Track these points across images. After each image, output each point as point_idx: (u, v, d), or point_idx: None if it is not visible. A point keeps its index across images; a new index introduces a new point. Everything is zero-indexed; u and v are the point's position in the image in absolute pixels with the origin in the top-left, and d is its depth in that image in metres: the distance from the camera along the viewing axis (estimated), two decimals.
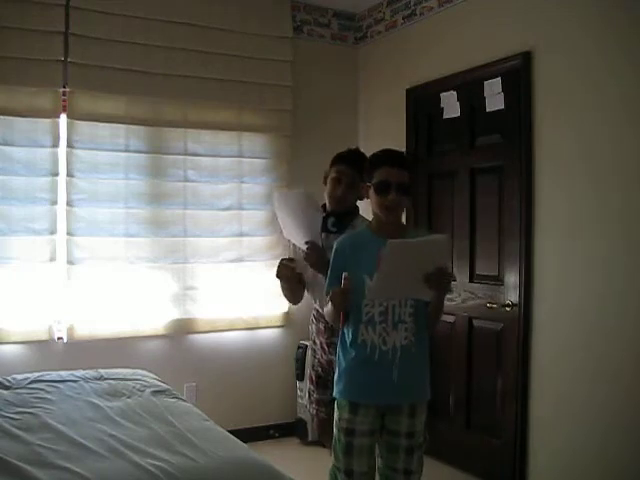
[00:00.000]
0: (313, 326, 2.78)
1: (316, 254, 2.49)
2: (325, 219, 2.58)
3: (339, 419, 2.22)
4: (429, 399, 2.27)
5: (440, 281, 2.05)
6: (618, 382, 2.81)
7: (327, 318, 2.33)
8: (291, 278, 2.55)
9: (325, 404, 2.72)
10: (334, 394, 2.27)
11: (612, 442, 2.83)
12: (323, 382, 2.72)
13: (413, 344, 2.17)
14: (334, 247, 2.28)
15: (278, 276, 2.56)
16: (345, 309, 2.17)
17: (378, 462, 2.26)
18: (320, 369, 2.75)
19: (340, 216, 2.59)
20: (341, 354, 2.25)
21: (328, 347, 2.69)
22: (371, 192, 2.19)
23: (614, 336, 2.83)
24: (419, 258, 2.01)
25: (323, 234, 2.58)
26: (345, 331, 2.24)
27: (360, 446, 2.18)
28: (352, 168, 2.56)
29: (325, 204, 2.66)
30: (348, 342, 2.22)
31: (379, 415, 2.19)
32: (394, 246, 1.96)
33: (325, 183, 2.65)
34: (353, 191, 2.57)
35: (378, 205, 2.18)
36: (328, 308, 2.22)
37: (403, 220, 2.40)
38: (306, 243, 2.50)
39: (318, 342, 2.74)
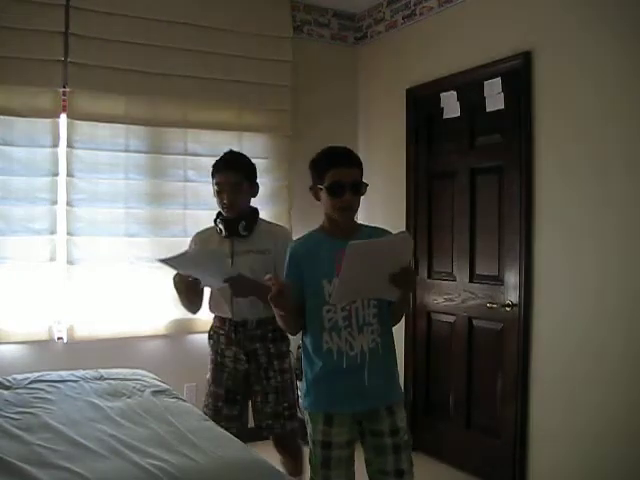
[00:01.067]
0: (222, 337, 2.80)
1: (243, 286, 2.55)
2: (234, 225, 2.68)
3: (313, 432, 2.14)
4: (403, 398, 2.25)
5: (406, 280, 1.99)
6: (618, 382, 2.81)
7: (280, 325, 2.21)
8: (189, 289, 2.58)
9: (234, 419, 2.75)
10: (304, 407, 2.19)
11: (611, 442, 2.83)
12: (232, 397, 2.76)
13: (380, 345, 2.12)
14: (288, 253, 2.19)
15: (177, 291, 2.62)
16: (286, 309, 2.04)
17: (367, 470, 2.18)
18: (231, 382, 2.77)
19: (247, 219, 2.70)
20: (306, 365, 2.18)
21: (247, 356, 2.74)
22: (322, 194, 2.11)
23: (614, 336, 2.83)
24: (382, 257, 1.95)
25: (235, 240, 2.69)
26: (306, 340, 2.18)
27: (338, 458, 2.10)
28: (230, 173, 2.67)
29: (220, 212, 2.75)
30: (311, 351, 2.15)
31: (355, 423, 2.13)
32: (355, 247, 1.88)
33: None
34: (240, 194, 2.69)
35: (332, 207, 2.10)
36: (277, 315, 2.12)
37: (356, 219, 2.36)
38: (225, 281, 2.52)
39: (231, 354, 2.76)
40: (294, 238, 4.06)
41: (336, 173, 2.08)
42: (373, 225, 2.32)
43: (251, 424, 2.88)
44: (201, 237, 2.86)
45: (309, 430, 2.18)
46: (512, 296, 3.35)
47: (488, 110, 3.49)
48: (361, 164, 2.17)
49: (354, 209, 2.15)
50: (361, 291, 2.03)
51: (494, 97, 3.45)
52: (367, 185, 2.14)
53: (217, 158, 2.80)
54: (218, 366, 2.80)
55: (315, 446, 2.14)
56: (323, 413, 2.12)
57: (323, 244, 2.15)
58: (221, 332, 2.81)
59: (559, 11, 3.10)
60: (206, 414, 2.63)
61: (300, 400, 2.25)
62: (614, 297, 2.84)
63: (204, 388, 2.89)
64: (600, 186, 2.92)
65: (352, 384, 2.09)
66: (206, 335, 2.90)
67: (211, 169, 2.78)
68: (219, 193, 2.70)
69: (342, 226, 2.14)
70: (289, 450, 2.89)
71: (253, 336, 2.74)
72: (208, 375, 2.86)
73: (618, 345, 2.82)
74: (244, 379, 2.77)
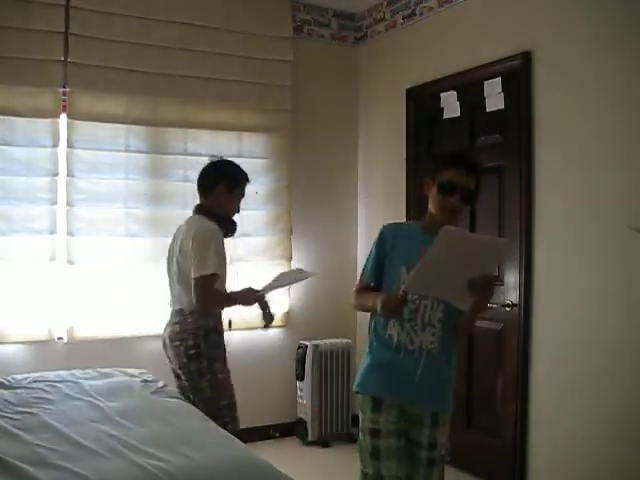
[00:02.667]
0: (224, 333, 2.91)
1: None
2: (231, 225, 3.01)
3: (363, 420, 2.13)
4: (452, 410, 2.18)
5: (485, 288, 1.93)
6: (618, 382, 2.81)
7: (357, 307, 2.26)
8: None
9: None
10: (355, 387, 2.20)
11: (612, 442, 2.83)
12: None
13: (439, 350, 2.09)
14: (380, 231, 2.20)
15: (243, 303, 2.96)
16: (389, 318, 2.07)
17: None
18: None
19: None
20: (368, 347, 2.18)
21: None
22: (434, 190, 2.11)
23: (615, 336, 2.83)
24: (471, 255, 1.86)
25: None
26: (373, 322, 2.17)
27: (387, 448, 2.06)
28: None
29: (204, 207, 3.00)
30: (374, 334, 2.16)
31: (402, 416, 2.09)
32: (449, 232, 1.82)
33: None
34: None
35: (439, 206, 2.10)
36: (363, 301, 2.15)
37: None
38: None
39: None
40: (290, 238, 4.08)
41: (452, 174, 2.09)
42: None
43: (251, 424, 2.89)
44: None
45: (360, 418, 2.16)
46: (512, 296, 3.34)
47: (488, 110, 3.49)
48: (479, 175, 2.16)
49: (459, 215, 2.15)
50: (435, 287, 1.95)
51: (494, 97, 3.45)
52: (476, 197, 2.16)
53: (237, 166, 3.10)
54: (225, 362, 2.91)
55: (364, 435, 2.11)
56: (371, 397, 2.11)
57: (414, 234, 2.15)
58: (223, 329, 2.93)
59: (559, 11, 3.10)
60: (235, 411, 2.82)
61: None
62: (615, 297, 2.84)
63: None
64: (601, 186, 2.91)
65: (403, 375, 2.07)
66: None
67: (239, 177, 3.04)
68: (240, 200, 3.03)
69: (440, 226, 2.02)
70: None
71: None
72: (223, 375, 2.87)
73: (619, 345, 2.81)
74: None
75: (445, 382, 2.16)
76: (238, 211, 3.04)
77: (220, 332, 2.91)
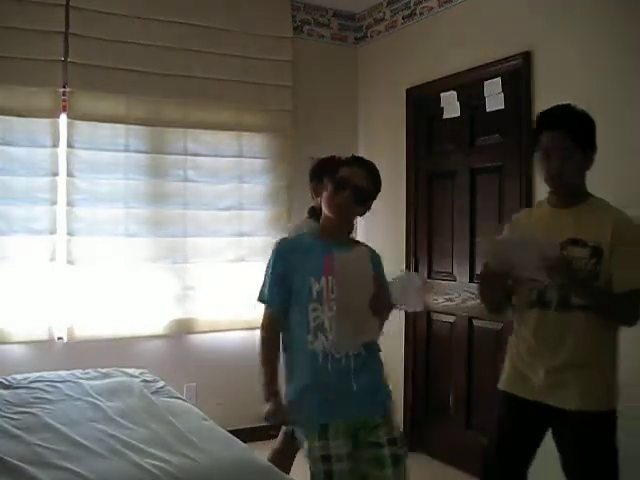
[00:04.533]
0: None
1: None
2: None
3: (310, 448, 1.98)
4: (392, 396, 2.16)
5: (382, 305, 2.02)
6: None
7: (260, 358, 2.09)
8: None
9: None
10: (295, 420, 2.07)
11: None
12: None
13: (365, 352, 2.05)
14: (274, 249, 2.14)
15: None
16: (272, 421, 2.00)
17: None
18: None
19: None
20: (290, 365, 2.09)
21: None
22: (326, 190, 2.09)
23: None
24: (361, 272, 1.98)
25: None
26: (288, 341, 2.08)
27: (341, 471, 1.95)
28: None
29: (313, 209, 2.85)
30: (294, 352, 2.06)
31: (350, 433, 2.00)
32: (341, 262, 1.93)
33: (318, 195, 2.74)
34: None
35: (331, 203, 2.07)
36: (264, 369, 2.05)
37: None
38: None
39: None
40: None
41: (347, 170, 2.08)
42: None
43: (251, 424, 2.89)
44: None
45: (305, 447, 2.01)
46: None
47: (488, 110, 3.49)
48: (378, 179, 2.14)
49: (351, 214, 2.12)
50: (353, 335, 2.01)
51: (494, 97, 3.45)
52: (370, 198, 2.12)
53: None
54: None
55: (315, 462, 1.98)
56: (318, 426, 1.98)
57: (314, 245, 2.10)
58: None
59: (559, 11, 3.10)
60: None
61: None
62: None
63: (204, 388, 2.88)
64: (600, 185, 2.91)
65: (341, 389, 2.00)
66: (206, 335, 2.90)
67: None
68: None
69: (334, 229, 2.10)
70: None
71: None
72: None
73: (619, 344, 2.81)
74: None
75: (379, 378, 2.13)
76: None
77: None
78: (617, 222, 2.06)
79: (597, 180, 3.00)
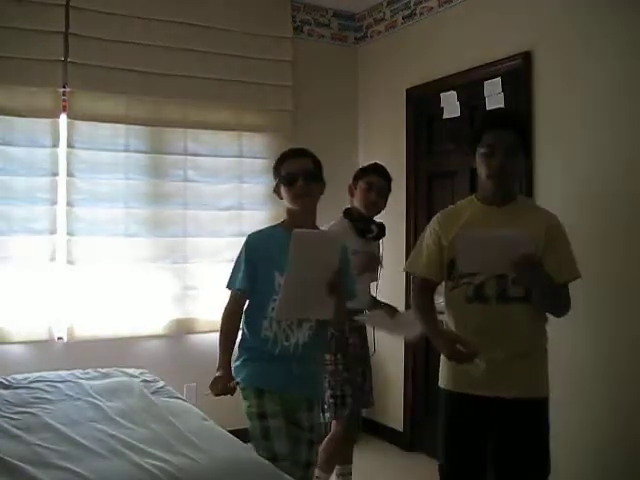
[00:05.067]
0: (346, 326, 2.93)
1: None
2: (366, 225, 2.97)
3: (248, 407, 2.25)
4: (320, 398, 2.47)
5: (338, 284, 2.09)
6: (618, 382, 2.81)
7: (221, 330, 2.30)
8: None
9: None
10: (238, 380, 2.27)
11: (612, 442, 2.83)
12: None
13: (313, 342, 2.26)
14: (245, 241, 2.32)
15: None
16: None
17: None
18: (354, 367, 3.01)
19: (378, 225, 3.01)
20: (241, 346, 2.32)
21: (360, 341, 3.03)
22: (282, 188, 2.27)
23: (616, 335, 2.83)
24: (322, 254, 2.01)
25: (361, 241, 2.94)
26: (245, 324, 2.30)
27: (276, 427, 2.19)
28: (384, 178, 3.00)
29: (349, 210, 3.03)
30: (249, 335, 2.28)
31: (283, 403, 2.24)
32: (298, 236, 1.95)
33: (352, 195, 3.03)
34: (384, 198, 3.01)
35: (289, 197, 2.25)
36: (221, 342, 2.26)
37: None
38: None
39: (353, 341, 2.99)
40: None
41: (291, 163, 2.26)
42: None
43: None
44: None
45: (244, 406, 2.27)
46: None
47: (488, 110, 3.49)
48: (314, 156, 2.31)
49: (312, 198, 2.28)
50: (302, 307, 2.09)
51: (494, 97, 3.45)
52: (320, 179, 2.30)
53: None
54: (345, 352, 2.96)
55: (252, 420, 2.24)
56: (254, 387, 2.24)
57: (280, 237, 2.21)
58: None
59: (559, 11, 3.11)
60: (344, 403, 2.91)
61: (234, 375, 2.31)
62: (614, 296, 2.84)
63: (204, 388, 2.90)
64: (600, 185, 2.92)
65: (281, 369, 2.22)
66: (206, 335, 2.91)
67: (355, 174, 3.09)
68: (369, 191, 2.99)
69: (300, 217, 2.26)
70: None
71: (362, 324, 3.02)
72: (331, 367, 2.93)
73: (619, 344, 2.82)
74: (356, 363, 3.02)
75: (318, 372, 2.40)
76: (374, 206, 3.00)
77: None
78: (549, 220, 2.17)
79: (599, 180, 3.00)
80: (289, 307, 2.08)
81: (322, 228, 3.00)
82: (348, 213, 3.06)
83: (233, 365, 2.28)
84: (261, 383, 2.24)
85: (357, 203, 3.02)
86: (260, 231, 2.39)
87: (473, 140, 2.21)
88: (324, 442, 2.99)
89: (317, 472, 2.99)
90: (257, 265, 2.24)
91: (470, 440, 2.22)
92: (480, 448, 2.22)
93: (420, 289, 2.35)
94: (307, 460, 2.28)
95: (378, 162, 3.15)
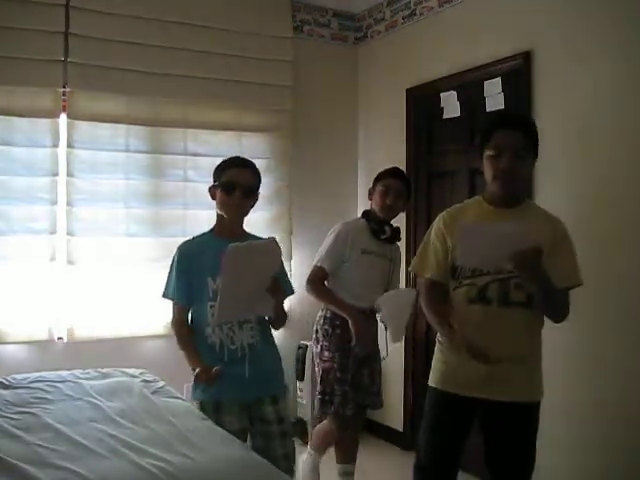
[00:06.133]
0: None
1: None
2: (380, 227, 3.01)
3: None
4: (286, 390, 2.49)
5: (277, 288, 2.17)
6: (620, 380, 2.81)
7: (179, 344, 2.36)
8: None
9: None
10: (195, 397, 2.33)
11: (613, 442, 2.82)
12: (353, 380, 3.03)
13: (259, 342, 2.31)
14: (176, 251, 2.36)
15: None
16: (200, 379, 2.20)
17: None
18: (353, 367, 3.03)
19: (393, 229, 3.07)
20: None
21: None
22: (218, 193, 2.32)
23: (616, 335, 2.83)
24: (257, 263, 2.07)
25: (375, 242, 3.01)
26: (195, 332, 2.33)
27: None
28: (401, 181, 3.05)
29: (367, 212, 3.10)
30: (197, 343, 2.30)
31: (244, 411, 2.29)
32: (231, 251, 2.00)
33: (370, 198, 3.09)
34: (401, 201, 3.05)
35: (225, 204, 2.31)
36: (186, 352, 2.29)
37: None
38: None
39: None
40: (290, 238, 4.09)
41: (233, 173, 2.31)
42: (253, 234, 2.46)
43: None
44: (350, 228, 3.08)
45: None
46: None
47: (488, 110, 3.49)
48: (257, 171, 2.39)
49: (244, 210, 2.35)
50: (241, 308, 2.15)
51: (494, 97, 3.45)
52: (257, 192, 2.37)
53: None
54: (345, 353, 2.98)
55: None
56: (212, 401, 2.26)
57: (210, 243, 2.31)
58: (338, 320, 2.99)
59: (559, 11, 3.11)
60: (331, 401, 2.96)
61: (191, 393, 2.37)
62: (615, 294, 2.84)
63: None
64: (600, 185, 2.92)
65: (234, 375, 2.23)
66: None
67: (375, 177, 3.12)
68: (386, 194, 3.02)
69: (229, 226, 2.34)
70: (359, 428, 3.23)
71: (371, 324, 3.04)
72: (327, 364, 3.00)
73: (619, 344, 2.82)
74: (359, 364, 3.03)
75: (274, 368, 2.41)
76: (390, 210, 3.05)
77: (337, 324, 3.03)
78: (555, 225, 2.18)
79: (599, 180, 3.01)
80: (227, 310, 2.11)
81: (336, 226, 3.09)
82: (366, 214, 3.13)
83: (189, 385, 2.33)
84: (218, 395, 2.26)
85: (374, 206, 3.07)
86: (191, 240, 2.43)
87: (481, 141, 2.20)
88: (318, 425, 3.11)
89: (309, 449, 3.12)
90: (190, 273, 2.30)
91: (451, 439, 2.26)
92: (459, 447, 2.28)
93: (428, 290, 2.35)
94: (283, 452, 2.32)
95: (398, 167, 3.22)
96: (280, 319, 2.38)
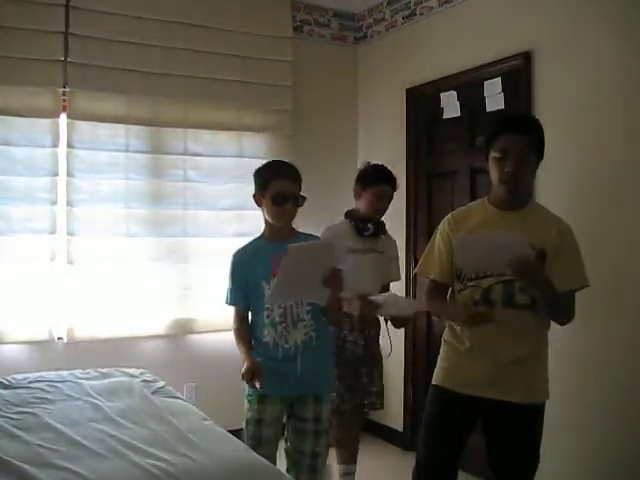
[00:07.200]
0: (345, 323, 2.99)
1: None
2: (363, 225, 3.05)
3: (248, 410, 2.41)
4: (332, 390, 2.55)
5: (334, 281, 2.21)
6: (618, 380, 2.81)
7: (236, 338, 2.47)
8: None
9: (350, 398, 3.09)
10: (246, 389, 2.44)
11: (614, 442, 2.83)
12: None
13: (314, 339, 2.36)
14: (231, 261, 2.48)
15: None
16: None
17: (286, 446, 2.46)
18: (347, 365, 3.05)
19: (375, 223, 3.07)
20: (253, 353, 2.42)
21: (364, 341, 3.07)
22: (266, 202, 2.38)
23: (617, 335, 2.83)
24: (316, 259, 2.17)
25: (360, 239, 3.03)
26: (252, 333, 2.45)
27: (268, 436, 2.37)
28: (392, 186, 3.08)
29: (350, 211, 3.13)
30: (255, 343, 2.42)
31: (286, 405, 2.40)
32: (293, 250, 2.10)
33: (357, 198, 3.09)
34: (389, 203, 3.10)
35: (276, 215, 2.38)
36: (239, 344, 2.42)
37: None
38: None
39: (352, 339, 3.05)
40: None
41: (282, 185, 2.36)
42: (307, 233, 2.56)
43: None
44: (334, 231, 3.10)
45: (245, 409, 2.43)
46: None
47: (488, 110, 3.49)
48: (300, 178, 2.43)
49: (294, 215, 2.42)
50: (295, 293, 2.26)
51: (494, 97, 3.45)
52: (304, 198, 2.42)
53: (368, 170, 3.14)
54: (339, 350, 2.98)
55: (248, 424, 2.40)
56: (257, 394, 2.37)
57: (262, 249, 2.41)
58: (345, 318, 2.97)
59: (559, 11, 3.11)
60: None
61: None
62: (615, 294, 2.84)
63: (204, 388, 2.94)
64: (599, 186, 2.92)
65: (285, 373, 2.33)
66: (206, 335, 2.92)
67: (364, 179, 3.09)
68: (378, 201, 3.06)
69: (281, 231, 2.42)
70: (359, 428, 3.24)
71: (371, 323, 3.06)
72: None
73: (619, 344, 2.82)
74: (356, 362, 3.04)
75: (325, 366, 2.46)
76: (379, 212, 3.09)
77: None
78: (561, 226, 2.19)
79: (599, 180, 3.01)
80: (282, 291, 2.19)
81: (322, 228, 3.05)
82: (348, 214, 3.14)
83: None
84: (264, 390, 2.31)
85: (361, 207, 3.08)
86: (243, 248, 2.52)
87: (487, 142, 2.20)
88: None
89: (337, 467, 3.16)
90: (246, 280, 2.41)
91: (450, 437, 2.27)
92: (458, 446, 2.28)
93: (432, 292, 2.36)
94: (312, 450, 2.39)
95: (384, 165, 3.18)
96: (333, 312, 2.40)
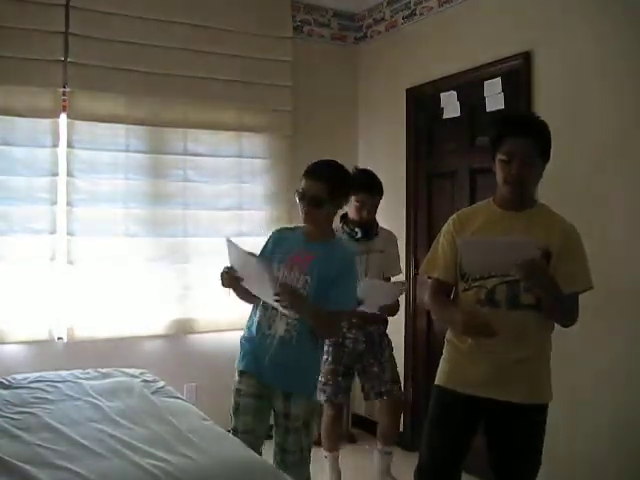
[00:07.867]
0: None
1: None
2: (352, 230, 3.16)
3: (234, 383, 2.50)
4: (309, 393, 2.46)
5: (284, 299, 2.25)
6: (618, 379, 2.81)
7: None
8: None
9: (349, 389, 3.32)
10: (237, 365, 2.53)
11: (614, 442, 2.83)
12: (348, 371, 3.24)
13: (294, 338, 2.35)
14: (271, 234, 2.57)
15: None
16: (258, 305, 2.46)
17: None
18: (348, 359, 3.21)
19: (364, 227, 3.17)
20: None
21: (364, 337, 3.21)
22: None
23: (617, 334, 2.83)
24: (252, 269, 2.29)
25: (353, 243, 3.11)
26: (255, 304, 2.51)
27: (245, 405, 2.42)
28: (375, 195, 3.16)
29: (344, 215, 3.21)
30: (251, 312, 2.51)
31: (263, 387, 2.42)
32: (229, 243, 2.33)
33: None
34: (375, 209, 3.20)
35: (300, 210, 2.44)
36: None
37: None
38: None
39: (351, 336, 3.18)
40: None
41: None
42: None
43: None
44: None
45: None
46: None
47: (488, 110, 3.49)
48: (330, 179, 2.39)
49: (313, 218, 2.43)
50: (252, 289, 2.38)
51: (494, 97, 3.45)
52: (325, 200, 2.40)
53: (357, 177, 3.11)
54: (338, 346, 3.17)
55: (232, 395, 2.48)
56: (238, 370, 2.49)
57: (297, 238, 2.47)
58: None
59: (559, 11, 3.11)
60: (323, 390, 3.13)
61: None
62: (616, 294, 2.83)
63: (204, 388, 2.95)
64: (599, 186, 2.92)
65: (258, 355, 2.41)
66: (206, 335, 2.93)
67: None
68: (361, 209, 3.16)
69: (310, 231, 2.47)
70: (397, 412, 3.35)
71: (372, 320, 3.15)
72: (324, 356, 3.08)
73: (619, 344, 2.82)
74: (358, 356, 3.19)
75: (298, 368, 2.39)
76: (366, 220, 3.18)
77: None
78: (566, 228, 2.18)
79: (599, 180, 3.01)
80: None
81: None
82: (343, 218, 3.24)
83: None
84: (242, 366, 2.47)
85: (350, 212, 3.20)
86: (283, 228, 2.64)
87: (493, 144, 2.20)
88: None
89: (323, 452, 3.34)
90: (269, 252, 2.49)
91: (452, 437, 2.26)
92: (460, 447, 2.28)
93: (435, 291, 2.35)
94: (281, 444, 2.42)
95: (369, 171, 3.26)
96: (318, 327, 2.38)
